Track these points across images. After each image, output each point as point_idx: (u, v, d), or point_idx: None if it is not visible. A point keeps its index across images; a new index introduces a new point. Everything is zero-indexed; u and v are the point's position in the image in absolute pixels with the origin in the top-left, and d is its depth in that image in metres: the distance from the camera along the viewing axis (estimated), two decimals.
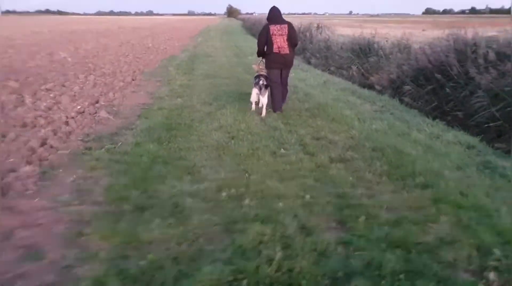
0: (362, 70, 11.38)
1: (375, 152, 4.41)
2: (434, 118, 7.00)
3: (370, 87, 9.93)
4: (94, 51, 17.00)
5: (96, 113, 6.48)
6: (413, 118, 5.99)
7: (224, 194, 3.45)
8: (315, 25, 20.51)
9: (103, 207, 3.35)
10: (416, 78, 8.43)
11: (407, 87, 8.17)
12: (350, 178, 3.78)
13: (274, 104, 6.50)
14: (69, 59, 13.86)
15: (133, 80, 9.79)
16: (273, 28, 6.28)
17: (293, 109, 6.60)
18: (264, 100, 6.26)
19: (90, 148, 4.80)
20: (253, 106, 6.51)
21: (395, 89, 8.91)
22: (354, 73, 11.18)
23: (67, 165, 4.37)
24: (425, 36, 19.13)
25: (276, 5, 6.61)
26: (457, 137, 4.96)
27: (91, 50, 17.47)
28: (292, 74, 10.03)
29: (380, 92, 9.06)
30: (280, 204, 3.24)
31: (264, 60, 6.69)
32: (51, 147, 4.93)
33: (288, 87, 6.91)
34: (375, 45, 11.11)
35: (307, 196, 3.39)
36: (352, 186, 3.63)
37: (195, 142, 4.90)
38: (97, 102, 7.32)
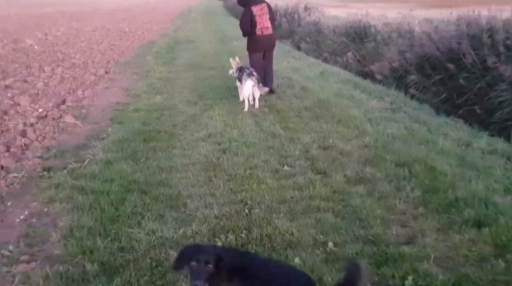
0: (358, 57, 10.54)
1: (400, 168, 3.62)
2: (444, 112, 6.30)
3: (369, 75, 9.12)
4: (64, 37, 15.69)
5: (61, 117, 5.50)
6: (431, 118, 5.21)
7: (219, 243, 2.62)
8: (303, 6, 19.51)
9: (59, 266, 2.49)
10: (421, 67, 7.64)
11: (412, 77, 7.38)
12: (378, 210, 2.98)
13: None
14: (36, 47, 12.63)
15: (106, 72, 8.74)
16: (255, 9, 6.14)
17: (291, 108, 5.74)
18: (262, 90, 5.67)
19: (49, 169, 3.88)
20: (247, 105, 5.68)
21: (398, 79, 8.12)
22: (350, 60, 10.33)
23: (19, 195, 3.47)
24: (414, 17, 18.21)
25: None
26: (492, 144, 4.19)
27: (62, 36, 16.14)
28: (284, 63, 9.17)
29: (381, 82, 8.26)
30: (296, 259, 2.43)
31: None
32: (1, 168, 3.99)
33: (275, 74, 6.77)
34: (372, 29, 10.23)
35: (330, 244, 2.58)
36: (383, 223, 2.84)
37: (178, 158, 4.02)
38: (63, 102, 6.32)
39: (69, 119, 5.37)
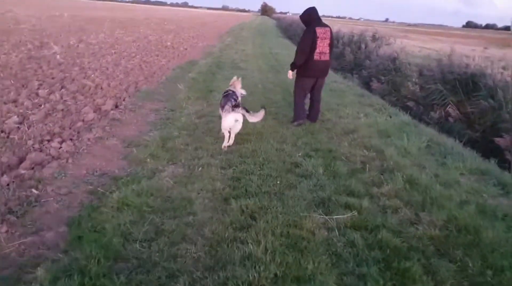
0: (459, 115, 7.60)
1: None
2: None
3: (485, 148, 6.21)
4: (98, 46, 13.80)
5: None
6: None
7: None
8: (370, 35, 16.75)
9: None
10: None
11: None
12: None
13: (297, 116, 5.93)
14: (57, 57, 10.64)
15: (116, 106, 6.37)
16: (319, 31, 5.61)
17: (406, 239, 2.98)
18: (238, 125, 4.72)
19: None
20: (226, 140, 4.74)
21: None
22: (451, 119, 7.42)
23: None
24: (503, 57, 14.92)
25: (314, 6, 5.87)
26: None
27: (96, 44, 14.29)
28: (361, 115, 6.44)
29: None
30: None
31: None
32: None
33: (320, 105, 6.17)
34: (489, 80, 7.27)
35: None
36: None
37: None
38: (18, 164, 3.92)
39: None
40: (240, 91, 5.29)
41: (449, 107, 7.69)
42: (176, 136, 4.99)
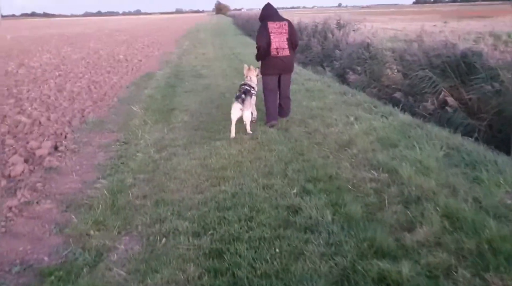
0: (455, 103, 6.72)
1: None
2: None
3: (498, 142, 5.39)
4: (40, 69, 12.27)
5: None
6: None
7: None
8: (334, 22, 15.90)
9: None
10: None
11: None
12: None
13: (269, 116, 5.67)
14: None
15: (55, 148, 5.10)
16: (272, 26, 5.47)
17: None
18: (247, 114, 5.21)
19: None
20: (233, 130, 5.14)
21: None
22: (449, 108, 6.53)
23: None
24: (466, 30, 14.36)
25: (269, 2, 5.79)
26: None
27: (39, 67, 12.74)
28: (351, 119, 5.43)
29: None
30: None
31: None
32: None
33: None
34: (488, 60, 6.40)
35: None
36: None
37: None
38: None
39: None
40: (255, 79, 5.68)
41: (448, 97, 6.79)
42: (130, 185, 3.82)
